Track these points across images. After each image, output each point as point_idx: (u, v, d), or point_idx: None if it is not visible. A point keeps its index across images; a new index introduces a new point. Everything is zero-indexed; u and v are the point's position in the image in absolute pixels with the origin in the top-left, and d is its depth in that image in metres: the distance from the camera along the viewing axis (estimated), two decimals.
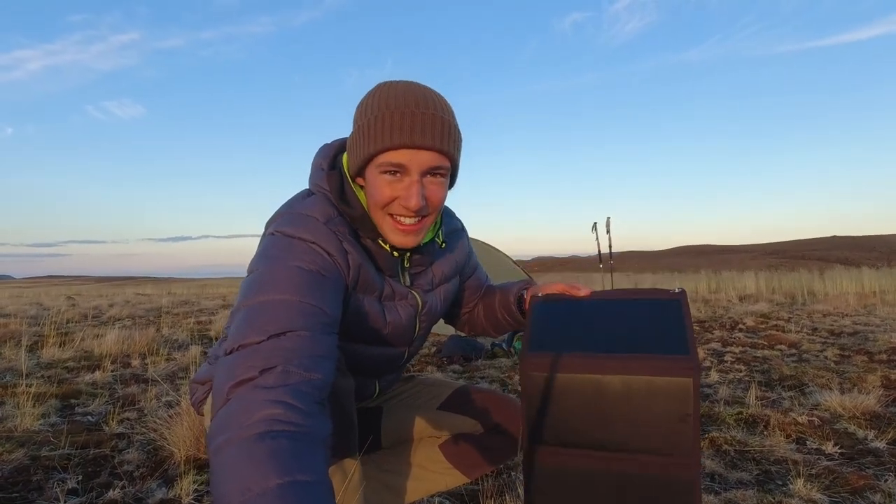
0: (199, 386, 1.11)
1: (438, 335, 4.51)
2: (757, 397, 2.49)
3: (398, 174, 0.87)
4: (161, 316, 7.28)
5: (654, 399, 0.87)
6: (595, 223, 5.93)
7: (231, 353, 0.73)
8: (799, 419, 2.15)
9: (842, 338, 4.39)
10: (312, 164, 0.99)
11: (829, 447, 1.86)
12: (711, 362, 3.48)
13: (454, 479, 1.24)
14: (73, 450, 1.88)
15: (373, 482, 1.15)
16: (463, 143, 0.94)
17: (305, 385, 0.70)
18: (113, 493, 1.54)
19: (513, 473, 1.67)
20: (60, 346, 4.14)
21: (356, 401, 0.98)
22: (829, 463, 1.74)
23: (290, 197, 0.99)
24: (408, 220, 0.90)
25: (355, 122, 0.91)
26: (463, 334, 3.84)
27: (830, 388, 2.58)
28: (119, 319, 6.94)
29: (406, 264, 1.03)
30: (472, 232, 1.40)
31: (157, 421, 1.94)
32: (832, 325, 5.10)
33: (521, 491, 1.50)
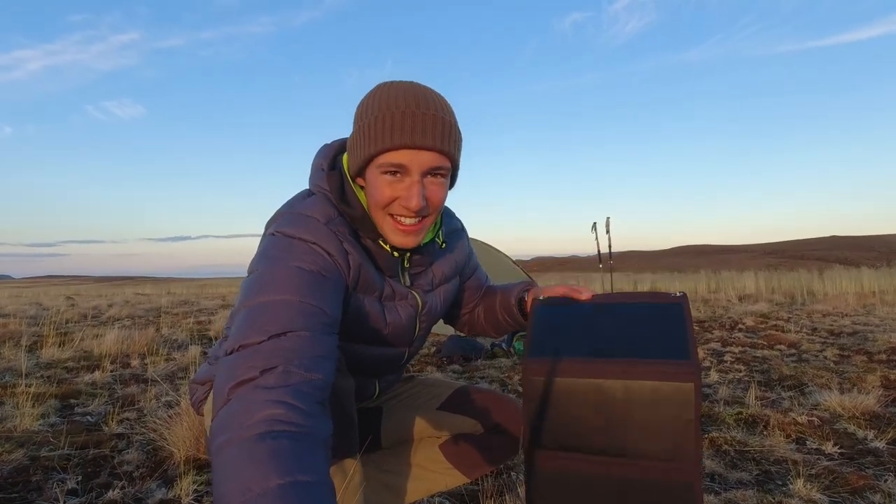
0: (199, 386, 1.11)
1: (438, 335, 4.51)
2: (756, 397, 2.49)
3: (399, 174, 0.87)
4: (160, 316, 7.28)
5: (656, 404, 0.87)
6: (595, 223, 5.93)
7: (232, 353, 0.73)
8: (799, 419, 2.15)
9: (841, 338, 4.39)
10: (312, 165, 0.99)
11: (829, 447, 1.86)
12: (711, 362, 3.48)
13: (454, 479, 1.24)
14: (72, 450, 1.88)
15: (373, 482, 1.15)
16: (463, 143, 0.94)
17: (306, 385, 0.70)
18: (112, 494, 1.54)
19: (513, 473, 1.67)
20: (60, 346, 4.14)
21: (356, 401, 0.98)
22: (828, 463, 1.74)
23: (290, 197, 0.99)
24: (408, 221, 0.90)
25: (356, 122, 0.91)
26: (462, 334, 3.84)
27: (830, 388, 2.58)
28: (118, 319, 6.93)
29: (406, 264, 1.03)
30: (472, 232, 1.41)
31: (157, 421, 1.94)
32: (832, 325, 5.10)
33: (521, 491, 1.50)
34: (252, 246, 0.90)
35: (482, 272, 1.28)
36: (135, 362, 3.64)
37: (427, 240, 1.02)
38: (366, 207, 0.94)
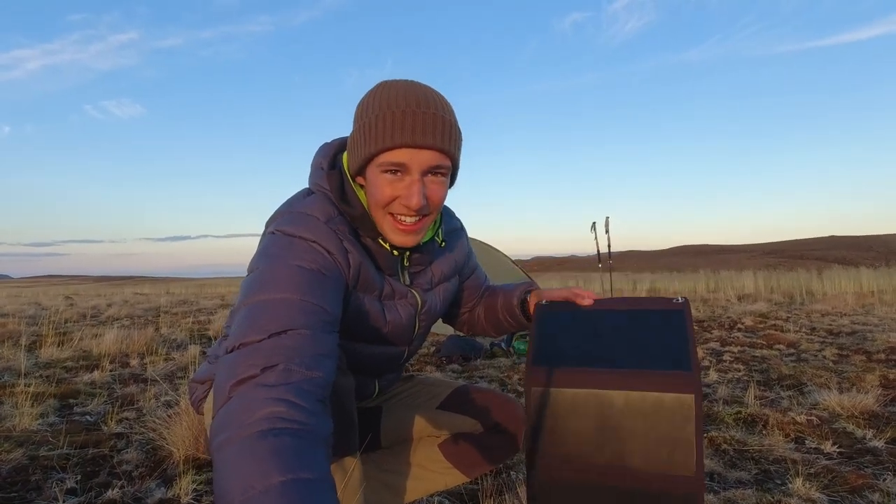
0: (199, 385, 1.11)
1: (437, 335, 4.51)
2: (756, 397, 2.49)
3: (399, 173, 0.87)
4: (160, 315, 7.27)
5: (657, 415, 0.88)
6: (594, 223, 5.93)
7: (232, 351, 0.73)
8: (797, 418, 2.15)
9: (840, 337, 4.39)
10: (312, 164, 0.99)
11: (828, 446, 1.87)
12: (710, 362, 3.49)
13: (454, 478, 1.24)
14: (71, 449, 1.88)
15: (372, 482, 1.15)
16: (463, 143, 0.94)
17: (307, 383, 0.70)
18: (112, 493, 1.54)
19: (512, 473, 1.67)
20: (59, 345, 4.14)
21: (356, 400, 0.98)
22: (827, 462, 1.75)
23: (290, 196, 0.99)
24: (408, 220, 0.90)
25: (356, 121, 0.91)
26: (462, 334, 3.84)
27: (829, 388, 2.58)
28: (117, 319, 6.93)
29: (406, 263, 1.03)
30: (472, 232, 1.41)
31: (156, 420, 1.94)
32: (830, 325, 5.11)
33: (520, 491, 1.50)
34: (251, 245, 0.91)
35: (481, 272, 1.28)
36: (134, 362, 3.64)
37: (427, 239, 1.02)
38: (365, 206, 0.94)
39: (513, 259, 4.94)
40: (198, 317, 7.19)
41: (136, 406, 2.50)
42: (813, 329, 4.89)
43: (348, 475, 0.88)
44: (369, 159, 0.88)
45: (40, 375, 3.17)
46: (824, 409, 2.30)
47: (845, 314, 6.03)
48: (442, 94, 0.92)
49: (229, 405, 0.67)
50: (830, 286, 9.62)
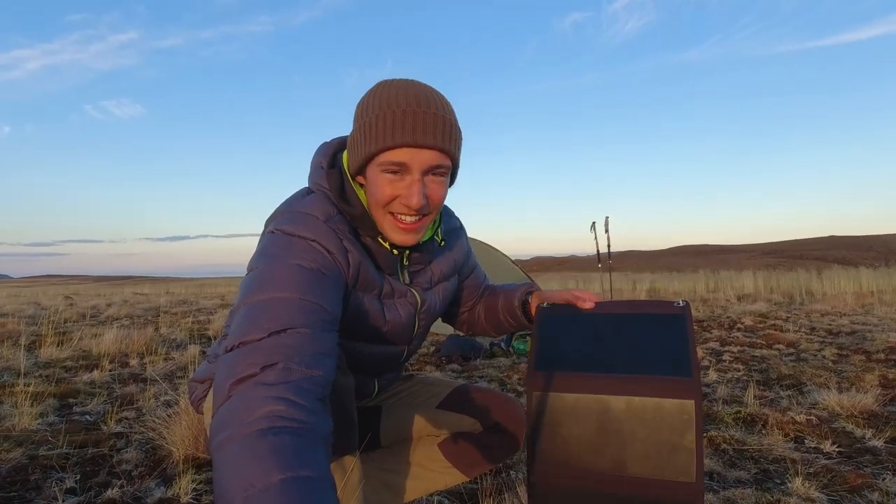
0: (199, 384, 1.11)
1: (437, 335, 4.51)
2: (755, 396, 2.49)
3: (399, 173, 0.87)
4: (159, 315, 7.27)
5: (657, 421, 0.88)
6: (594, 223, 5.93)
7: (232, 350, 0.73)
8: (797, 418, 2.15)
9: (840, 337, 4.40)
10: (312, 163, 0.99)
11: (827, 446, 1.87)
12: (710, 361, 3.49)
13: (453, 477, 1.24)
14: (71, 449, 1.88)
15: (372, 481, 1.15)
16: (463, 142, 0.94)
17: (307, 382, 0.70)
18: (111, 493, 1.54)
19: (511, 472, 1.67)
20: (58, 345, 4.14)
21: (356, 399, 0.98)
22: (827, 461, 1.75)
23: (289, 195, 0.99)
24: (408, 219, 0.90)
25: (356, 120, 0.91)
26: (462, 334, 3.84)
27: (828, 388, 2.58)
28: (117, 319, 6.93)
29: (405, 262, 1.03)
30: (472, 232, 1.41)
31: (156, 420, 1.94)
32: (830, 325, 5.11)
33: (520, 491, 1.50)
34: (251, 245, 0.90)
35: (480, 271, 1.28)
36: (133, 362, 3.64)
37: (426, 238, 1.02)
38: (365, 205, 0.94)
39: (512, 259, 4.94)
40: (197, 317, 7.19)
41: (135, 406, 2.50)
42: (812, 329, 4.89)
43: (348, 474, 0.88)
44: (369, 158, 0.88)
45: (40, 375, 3.16)
46: (824, 409, 2.30)
47: (845, 314, 6.03)
48: (442, 93, 0.92)
49: (229, 404, 0.67)
50: (830, 286, 9.63)
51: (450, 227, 1.14)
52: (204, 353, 3.96)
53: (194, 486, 1.56)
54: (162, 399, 2.58)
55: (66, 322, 6.56)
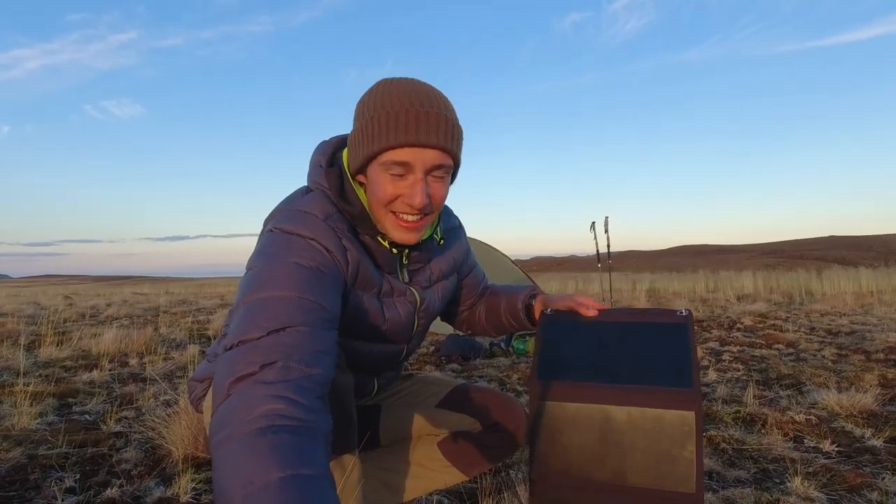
0: (198, 384, 1.11)
1: (437, 334, 4.51)
2: (755, 396, 2.49)
3: (402, 172, 0.87)
4: (159, 315, 7.27)
5: (658, 431, 0.89)
6: (593, 223, 5.93)
7: (231, 349, 0.73)
8: (796, 418, 2.15)
9: (839, 337, 4.40)
10: (311, 161, 0.99)
11: (827, 445, 1.87)
12: (710, 361, 3.49)
13: (453, 477, 1.24)
14: (70, 448, 1.88)
15: (371, 480, 1.15)
16: (463, 142, 0.94)
17: (306, 380, 0.70)
18: (111, 492, 1.54)
19: (511, 472, 1.67)
20: (58, 345, 4.13)
21: (355, 398, 0.98)
22: (826, 461, 1.75)
23: (288, 194, 0.99)
24: (410, 217, 0.90)
25: (357, 119, 0.90)
26: (461, 333, 3.84)
27: (828, 387, 2.58)
28: (117, 319, 6.92)
29: (405, 261, 1.03)
30: (472, 232, 1.41)
31: (155, 420, 1.94)
32: (830, 325, 5.11)
33: (519, 490, 1.50)
34: (251, 245, 0.91)
35: (480, 270, 1.28)
36: (133, 361, 3.64)
37: (425, 236, 1.02)
38: (365, 204, 0.94)
39: (512, 259, 4.94)
40: (197, 316, 7.19)
41: (135, 405, 2.50)
42: (812, 329, 4.89)
43: (347, 473, 0.88)
44: (372, 157, 0.87)
45: (39, 375, 3.16)
46: (823, 409, 2.30)
47: (844, 314, 6.03)
48: (442, 92, 0.92)
49: (228, 402, 0.67)
50: (830, 286, 9.63)
51: (449, 225, 1.15)
52: (203, 352, 3.96)
53: (194, 485, 1.56)
54: (161, 398, 2.58)
55: (65, 322, 6.56)
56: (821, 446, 1.88)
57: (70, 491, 1.56)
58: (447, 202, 1.08)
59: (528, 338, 3.85)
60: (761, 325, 5.17)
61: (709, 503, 1.47)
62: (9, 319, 6.08)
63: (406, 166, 0.86)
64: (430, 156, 0.86)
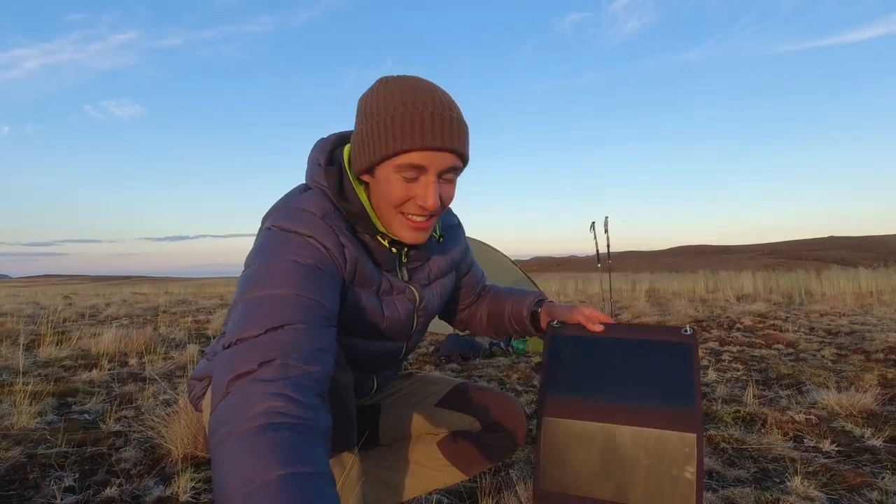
0: (198, 382, 1.11)
1: (437, 334, 4.51)
2: (754, 396, 2.49)
3: (415, 175, 0.86)
4: (158, 315, 7.27)
5: (660, 452, 0.90)
6: (593, 223, 5.93)
7: (229, 347, 0.73)
8: (796, 417, 2.15)
9: (839, 337, 4.40)
10: (309, 159, 0.98)
11: (827, 445, 1.87)
12: (709, 361, 3.49)
13: (452, 476, 1.24)
14: (69, 448, 1.88)
15: (371, 479, 1.15)
16: None
17: (305, 378, 0.70)
18: (110, 491, 1.53)
19: (511, 471, 1.67)
20: (57, 344, 4.13)
21: (354, 397, 0.98)
22: (826, 460, 1.75)
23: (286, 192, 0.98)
24: (420, 218, 0.90)
25: (364, 119, 0.88)
26: (460, 333, 3.84)
27: (827, 387, 2.58)
28: (116, 318, 6.92)
29: (404, 259, 1.03)
30: (472, 232, 1.41)
31: (155, 419, 1.94)
32: (829, 325, 5.11)
33: (518, 490, 1.50)
34: (250, 245, 0.90)
35: (478, 269, 1.28)
36: (132, 361, 3.64)
37: None
38: (364, 203, 0.93)
39: (512, 259, 4.94)
40: (196, 316, 7.19)
41: (134, 404, 2.50)
42: (812, 329, 4.89)
43: (346, 471, 0.88)
44: (384, 160, 0.86)
45: (39, 374, 3.16)
46: (823, 408, 2.30)
47: (844, 314, 6.03)
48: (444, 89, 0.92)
49: (227, 400, 0.67)
50: (829, 286, 9.63)
51: (447, 223, 1.15)
52: (203, 352, 3.95)
53: (193, 484, 1.56)
54: (161, 398, 2.58)
55: (64, 321, 6.55)
56: (821, 446, 1.88)
57: (69, 490, 1.56)
58: None
59: (527, 338, 3.85)
60: (761, 326, 5.17)
61: (709, 503, 1.47)
62: (8, 319, 6.08)
63: (420, 169, 0.86)
64: (445, 159, 0.86)
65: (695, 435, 0.89)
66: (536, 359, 3.62)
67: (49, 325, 4.99)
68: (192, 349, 3.99)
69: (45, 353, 3.87)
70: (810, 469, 1.68)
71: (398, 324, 1.03)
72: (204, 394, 1.09)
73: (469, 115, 0.91)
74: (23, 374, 3.06)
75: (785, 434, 2.01)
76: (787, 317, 5.84)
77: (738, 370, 3.19)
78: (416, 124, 0.83)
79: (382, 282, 0.98)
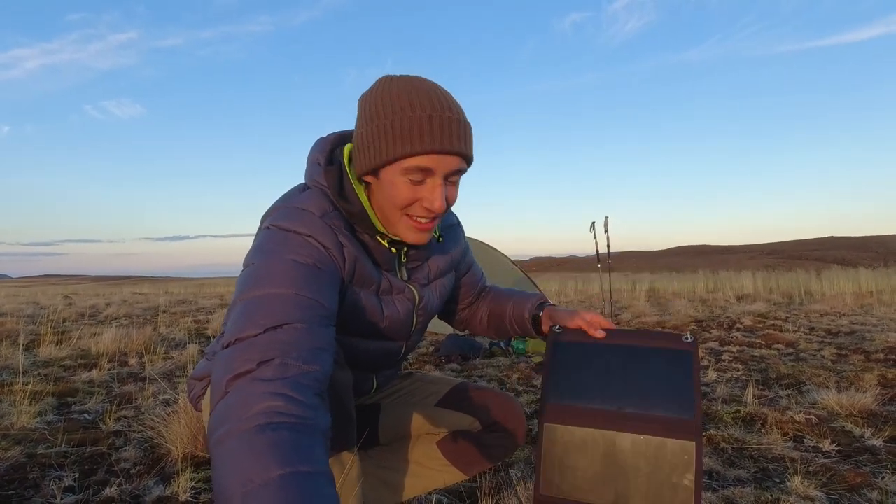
0: (197, 382, 1.11)
1: (436, 334, 4.51)
2: (754, 396, 2.49)
3: (422, 178, 0.86)
4: (158, 315, 7.27)
5: (659, 459, 0.91)
6: (593, 223, 5.92)
7: (228, 346, 0.73)
8: (796, 417, 2.15)
9: (839, 337, 4.40)
10: (308, 159, 0.98)
11: (827, 445, 1.87)
12: (709, 361, 3.49)
13: (452, 476, 1.24)
14: (69, 447, 1.88)
15: (370, 478, 1.15)
16: None
17: (304, 377, 0.70)
18: (110, 491, 1.53)
19: (511, 471, 1.67)
20: (57, 344, 4.13)
21: (354, 396, 0.98)
22: (826, 460, 1.75)
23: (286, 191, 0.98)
24: (425, 219, 0.90)
25: (368, 120, 0.87)
26: (460, 333, 3.84)
27: (827, 387, 2.58)
28: (116, 318, 6.92)
29: (403, 259, 1.03)
30: (472, 232, 1.41)
31: (155, 419, 1.94)
32: (829, 325, 5.11)
33: (518, 489, 1.50)
34: (250, 245, 0.90)
35: (478, 268, 1.28)
36: (132, 361, 3.64)
37: None
38: (364, 203, 0.93)
39: (512, 259, 4.94)
40: (196, 316, 7.19)
41: (134, 404, 2.50)
42: (812, 329, 4.89)
43: (346, 470, 0.88)
44: (391, 162, 0.85)
45: (38, 374, 3.16)
46: (823, 408, 2.30)
47: (844, 314, 6.03)
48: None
49: (226, 400, 0.67)
50: (829, 286, 9.63)
51: (447, 223, 1.14)
52: (202, 352, 3.95)
53: (193, 484, 1.56)
54: (161, 398, 2.58)
55: (64, 321, 6.56)
56: (820, 446, 1.88)
57: (69, 490, 1.56)
58: None
59: (527, 339, 3.85)
60: (761, 326, 5.17)
61: (709, 503, 1.47)
62: (8, 319, 6.08)
63: (427, 172, 0.86)
64: (452, 162, 0.86)
65: (694, 443, 0.90)
66: (536, 359, 3.62)
67: (49, 325, 4.99)
68: (192, 349, 3.99)
69: (44, 353, 3.87)
70: (810, 469, 1.68)
71: (398, 323, 1.03)
72: (204, 393, 1.09)
73: (469, 115, 0.91)
74: (23, 373, 3.06)
75: (785, 434, 2.01)
76: (787, 317, 5.84)
77: (738, 370, 3.19)
78: (425, 128, 0.83)
79: (382, 281, 0.98)
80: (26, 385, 2.64)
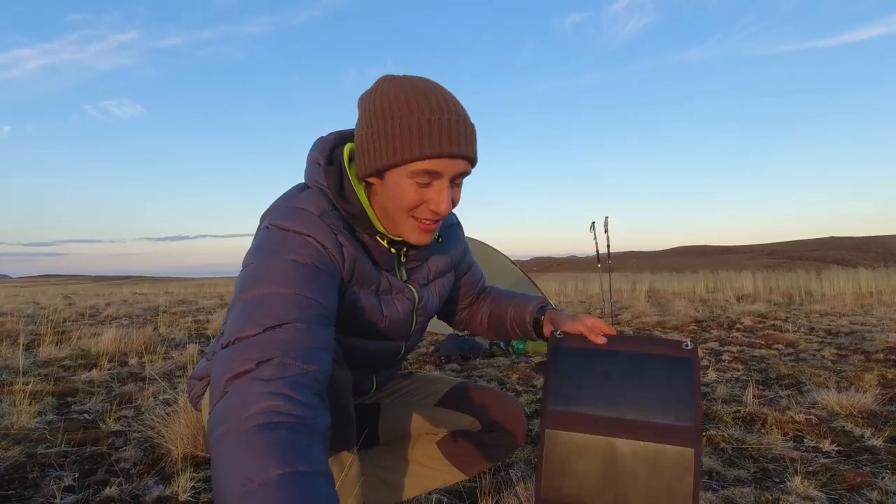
0: (197, 382, 1.11)
1: (436, 334, 4.51)
2: (754, 396, 2.49)
3: (429, 181, 0.86)
4: (158, 315, 7.27)
5: (658, 465, 0.93)
6: (593, 223, 5.92)
7: (227, 346, 0.73)
8: (796, 417, 2.15)
9: (839, 337, 4.40)
10: (308, 158, 0.98)
11: (827, 445, 1.87)
12: (709, 361, 3.49)
13: (452, 476, 1.24)
14: (69, 447, 1.88)
15: (370, 478, 1.15)
16: None
17: (303, 377, 0.70)
18: (110, 491, 1.53)
19: (510, 471, 1.67)
20: (57, 344, 4.13)
21: (354, 396, 0.98)
22: (826, 460, 1.75)
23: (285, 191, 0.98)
24: (429, 221, 0.91)
25: (371, 121, 0.86)
26: (460, 333, 3.83)
27: (827, 387, 2.58)
28: (116, 318, 6.92)
29: (402, 259, 1.03)
30: (472, 232, 1.41)
31: (155, 418, 1.94)
32: (829, 325, 5.11)
33: (518, 489, 1.50)
34: (250, 245, 0.90)
35: (477, 268, 1.28)
36: (132, 361, 3.64)
37: None
38: (364, 204, 0.93)
39: (512, 259, 4.93)
40: (196, 316, 7.19)
41: (134, 404, 2.50)
42: (812, 329, 4.89)
43: (346, 470, 0.88)
44: (398, 165, 0.85)
45: (38, 374, 3.16)
46: (823, 408, 2.30)
47: (844, 314, 6.03)
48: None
49: (225, 399, 0.67)
50: (829, 287, 9.63)
51: (446, 223, 1.15)
52: (202, 352, 3.96)
53: (193, 484, 1.56)
54: (161, 398, 2.58)
55: (64, 321, 6.56)
56: (821, 446, 1.88)
57: (69, 489, 1.56)
58: None
59: (527, 339, 3.85)
60: (761, 326, 5.17)
61: (709, 503, 1.47)
62: (8, 319, 6.08)
63: (434, 175, 0.86)
64: (459, 165, 0.86)
65: (693, 450, 0.92)
66: (536, 359, 3.62)
67: (49, 325, 5.00)
68: (192, 349, 3.99)
69: (44, 352, 3.87)
70: (810, 469, 1.68)
71: (397, 323, 1.03)
72: (203, 393, 1.09)
73: (470, 116, 0.91)
74: (23, 373, 3.06)
75: (785, 434, 2.01)
76: (787, 317, 5.84)
77: (738, 370, 3.19)
78: (434, 132, 0.83)
79: (381, 281, 0.98)
80: (26, 385, 2.64)
